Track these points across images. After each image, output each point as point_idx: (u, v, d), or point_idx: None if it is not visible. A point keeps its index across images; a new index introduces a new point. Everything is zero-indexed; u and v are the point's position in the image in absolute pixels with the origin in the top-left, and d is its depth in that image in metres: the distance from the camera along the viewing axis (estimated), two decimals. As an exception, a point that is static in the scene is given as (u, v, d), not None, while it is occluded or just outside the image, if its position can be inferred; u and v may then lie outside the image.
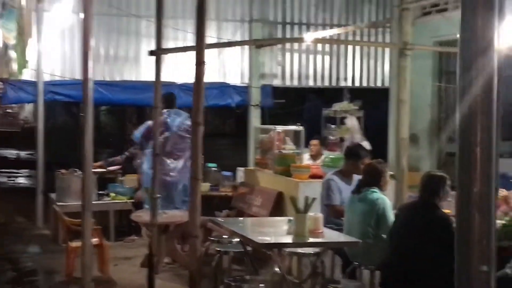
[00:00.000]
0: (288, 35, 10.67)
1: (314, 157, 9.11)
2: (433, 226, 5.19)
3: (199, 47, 5.41)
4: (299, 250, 5.98)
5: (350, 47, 11.08)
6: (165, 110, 8.12)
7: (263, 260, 6.44)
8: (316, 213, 5.48)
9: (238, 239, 6.43)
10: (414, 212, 5.38)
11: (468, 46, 1.81)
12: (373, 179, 5.84)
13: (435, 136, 10.63)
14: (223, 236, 6.76)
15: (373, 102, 10.69)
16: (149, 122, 8.08)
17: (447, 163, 10.88)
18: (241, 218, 6.93)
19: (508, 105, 11.48)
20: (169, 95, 8.39)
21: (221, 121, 13.53)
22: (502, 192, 5.93)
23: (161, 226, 7.04)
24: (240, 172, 9.61)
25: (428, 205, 5.28)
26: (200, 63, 5.42)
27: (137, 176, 9.22)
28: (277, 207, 7.38)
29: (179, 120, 8.15)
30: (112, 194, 9.04)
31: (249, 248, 5.96)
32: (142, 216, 7.67)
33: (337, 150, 9.74)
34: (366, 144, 9.86)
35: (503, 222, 5.31)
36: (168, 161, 8.08)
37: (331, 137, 9.87)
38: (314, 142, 9.06)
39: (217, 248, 6.34)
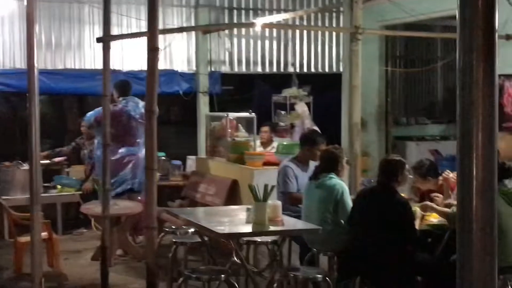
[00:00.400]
0: (235, 21, 10.53)
1: (264, 144, 9.03)
2: (392, 210, 5.19)
3: (152, 32, 5.23)
4: (256, 238, 5.91)
5: (297, 32, 11.01)
6: (121, 98, 7.92)
7: (219, 250, 6.34)
8: (274, 201, 5.41)
9: (193, 229, 6.33)
10: (373, 197, 5.38)
11: (469, 26, 1.72)
12: (331, 165, 5.79)
13: (383, 121, 10.71)
14: (176, 227, 6.64)
15: (322, 88, 10.67)
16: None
17: (396, 148, 10.99)
18: (197, 208, 6.81)
19: (452, 89, 11.71)
20: (124, 82, 8.18)
21: (165, 109, 13.31)
22: (446, 174, 5.96)
23: (112, 218, 6.84)
24: (190, 161, 9.47)
25: (387, 190, 5.28)
26: (153, 49, 5.24)
27: (84, 167, 8.98)
28: (232, 196, 7.27)
29: (138, 107, 7.95)
30: (59, 187, 8.76)
31: (205, 238, 5.85)
32: (92, 208, 7.46)
33: (288, 136, 9.71)
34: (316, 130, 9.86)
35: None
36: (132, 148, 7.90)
37: (281, 124, 9.84)
38: (265, 129, 8.98)
39: (173, 239, 6.19)
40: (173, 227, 6.66)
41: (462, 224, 1.75)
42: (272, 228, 5.16)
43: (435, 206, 5.56)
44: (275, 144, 9.31)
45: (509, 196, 5.07)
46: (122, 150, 7.83)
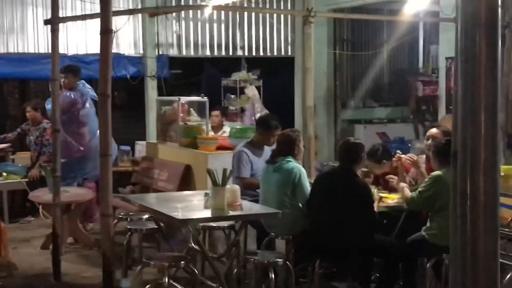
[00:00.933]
0: (182, 3, 10.37)
1: (215, 128, 8.95)
2: (354, 193, 5.21)
3: (105, 14, 5.09)
4: (212, 223, 5.84)
5: (246, 16, 10.91)
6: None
7: (174, 236, 6.24)
8: (233, 186, 5.35)
9: (147, 216, 6.22)
10: (333, 179, 5.38)
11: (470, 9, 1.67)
12: (288, 148, 5.76)
13: (332, 104, 10.76)
14: (129, 213, 6.53)
15: (272, 71, 10.63)
16: (68, 93, 7.65)
17: (344, 130, 11.07)
18: (152, 194, 6.69)
19: (398, 72, 11.82)
20: (78, 67, 7.97)
21: (111, 93, 13.00)
22: (398, 154, 6.01)
23: (63, 205, 6.67)
24: (139, 146, 9.31)
25: (348, 173, 5.29)
26: (106, 31, 5.09)
27: (30, 153, 8.72)
28: (185, 181, 7.16)
29: (91, 91, 7.76)
30: (4, 174, 8.49)
31: (161, 224, 5.76)
32: (41, 196, 7.25)
33: (238, 120, 9.66)
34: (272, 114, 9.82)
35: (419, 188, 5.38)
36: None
37: (231, 108, 9.77)
38: (216, 113, 8.90)
39: (127, 226, 6.07)
40: (128, 213, 6.52)
41: (465, 201, 1.70)
42: (231, 213, 5.12)
43: (406, 191, 5.55)
44: (226, 128, 9.24)
45: None
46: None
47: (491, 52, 1.63)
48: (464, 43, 1.63)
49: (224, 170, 5.15)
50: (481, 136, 1.62)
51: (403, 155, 5.94)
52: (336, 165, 6.14)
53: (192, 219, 4.99)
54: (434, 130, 6.13)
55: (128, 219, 6.33)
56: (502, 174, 6.30)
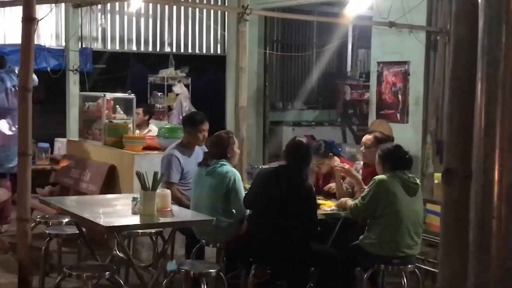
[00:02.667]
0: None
1: (139, 127, 8.56)
2: (299, 194, 5.01)
3: (29, 0, 4.67)
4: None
5: (175, 11, 10.54)
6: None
7: (96, 242, 5.85)
8: (163, 190, 5.03)
9: (67, 219, 5.82)
10: (277, 179, 5.13)
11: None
12: (221, 150, 5.48)
13: (261, 105, 10.54)
14: (47, 216, 6.11)
15: (201, 70, 10.32)
16: None
17: (272, 132, 10.88)
18: (76, 197, 6.26)
19: (326, 75, 11.72)
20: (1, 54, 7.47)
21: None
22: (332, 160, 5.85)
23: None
24: (59, 143, 8.80)
25: (294, 173, 5.07)
26: (29, 19, 4.68)
27: None
28: (109, 182, 6.76)
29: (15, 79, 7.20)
30: None
31: (83, 229, 5.37)
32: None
33: (165, 119, 9.31)
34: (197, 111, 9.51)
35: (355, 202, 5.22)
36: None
37: (158, 106, 9.41)
38: (138, 110, 8.52)
39: (46, 231, 5.63)
40: (46, 216, 6.10)
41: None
42: (162, 219, 4.80)
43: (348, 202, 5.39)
44: (151, 127, 8.86)
45: (407, 185, 5.02)
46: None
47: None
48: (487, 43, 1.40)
49: (155, 174, 4.83)
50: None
51: (337, 164, 5.76)
52: (276, 165, 5.88)
53: (119, 226, 4.63)
54: (368, 136, 5.98)
55: (47, 223, 5.90)
56: (436, 181, 6.28)
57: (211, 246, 5.50)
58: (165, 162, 5.93)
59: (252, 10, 7.03)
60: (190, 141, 6.07)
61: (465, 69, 1.65)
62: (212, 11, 10.26)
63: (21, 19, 4.66)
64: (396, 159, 5.10)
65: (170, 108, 9.36)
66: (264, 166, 6.00)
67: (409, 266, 5.03)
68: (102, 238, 6.75)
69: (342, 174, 5.70)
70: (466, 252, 1.66)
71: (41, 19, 4.93)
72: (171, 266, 4.65)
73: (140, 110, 8.73)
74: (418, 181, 5.18)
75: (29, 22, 4.64)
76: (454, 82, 1.65)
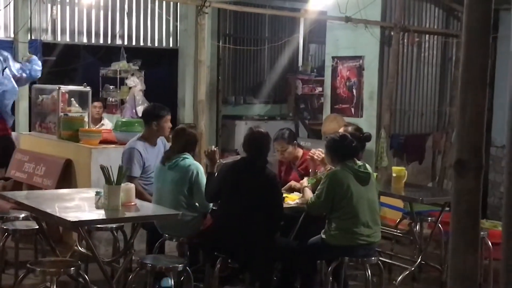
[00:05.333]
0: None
1: (94, 120, 8.43)
2: (261, 186, 5.00)
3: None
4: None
5: (126, 4, 10.36)
6: None
7: (52, 237, 5.71)
8: (127, 184, 4.95)
9: (24, 215, 5.68)
10: (240, 171, 5.11)
11: None
12: (184, 144, 5.43)
13: (214, 99, 10.49)
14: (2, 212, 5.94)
15: (154, 63, 10.19)
16: None
17: (224, 126, 10.85)
18: (34, 192, 6.10)
19: (278, 70, 11.69)
20: None
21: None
22: (312, 152, 5.83)
23: None
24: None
25: (256, 164, 5.06)
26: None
27: None
28: (65, 177, 6.63)
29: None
30: None
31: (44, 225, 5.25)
32: None
33: (117, 112, 9.17)
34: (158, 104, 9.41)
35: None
36: None
37: (111, 99, 9.27)
38: (97, 104, 8.41)
39: (4, 226, 5.48)
40: (2, 211, 5.92)
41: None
42: (127, 214, 4.73)
43: (307, 192, 5.40)
44: (105, 120, 8.74)
45: (359, 175, 5.05)
46: None
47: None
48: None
49: (120, 167, 4.76)
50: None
51: (314, 150, 5.74)
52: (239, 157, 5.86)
53: (86, 220, 4.54)
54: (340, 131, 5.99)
55: (2, 218, 5.74)
56: (394, 175, 6.38)
57: (174, 240, 5.46)
58: (127, 155, 5.84)
59: (212, 2, 6.99)
60: (154, 134, 5.98)
61: (477, 61, 1.66)
62: (164, 3, 10.13)
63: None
64: (343, 148, 5.12)
65: (122, 102, 9.22)
66: (223, 161, 5.93)
67: (372, 258, 5.09)
68: (57, 233, 6.63)
69: (318, 162, 5.66)
70: (477, 243, 1.68)
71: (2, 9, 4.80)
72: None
73: (100, 104, 8.59)
74: (369, 168, 5.21)
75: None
76: (466, 74, 1.66)
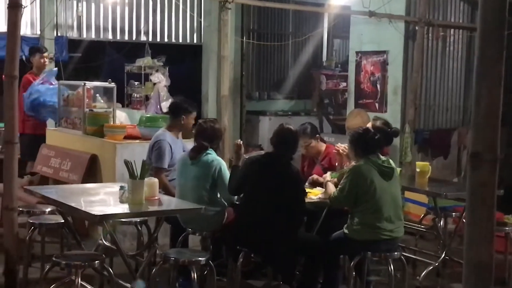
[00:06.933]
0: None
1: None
2: (287, 181, 5.00)
3: (14, -13, 4.60)
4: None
5: (150, 0, 10.43)
6: None
7: (78, 231, 5.78)
8: (151, 178, 5.00)
9: (50, 209, 5.75)
10: (266, 166, 5.11)
11: None
12: (208, 140, 5.45)
13: (238, 95, 10.52)
14: (29, 206, 6.02)
15: (177, 59, 10.25)
16: None
17: (248, 122, 10.87)
18: (59, 186, 6.18)
19: (302, 65, 11.65)
20: None
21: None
22: (338, 146, 5.81)
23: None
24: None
25: (282, 160, 5.07)
26: (15, 6, 4.61)
27: None
28: (91, 172, 6.70)
29: None
30: None
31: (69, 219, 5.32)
32: None
33: (142, 108, 9.23)
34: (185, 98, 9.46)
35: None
36: None
37: (135, 95, 9.34)
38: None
39: (30, 220, 5.56)
40: (29, 206, 6.01)
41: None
42: (150, 208, 4.77)
43: (329, 187, 5.40)
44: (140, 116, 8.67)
45: (382, 169, 5.04)
46: None
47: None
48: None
49: (143, 162, 4.80)
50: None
51: (340, 145, 5.73)
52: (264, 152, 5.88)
53: (111, 214, 4.59)
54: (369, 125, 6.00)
55: (29, 212, 5.82)
56: (418, 170, 6.35)
57: (197, 234, 5.49)
58: (157, 147, 5.87)
59: (235, -2, 7.02)
60: (178, 128, 6.03)
61: (492, 54, 1.65)
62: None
63: (6, 6, 4.59)
64: (366, 142, 5.10)
65: (147, 98, 9.29)
66: (246, 156, 5.95)
67: (395, 253, 5.07)
68: (83, 227, 6.70)
69: (344, 156, 5.65)
70: (492, 235, 1.68)
71: (26, 6, 4.88)
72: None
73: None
74: (392, 163, 5.19)
75: (15, 9, 4.58)
76: (480, 67, 1.66)
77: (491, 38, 1.65)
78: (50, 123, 8.17)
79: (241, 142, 5.64)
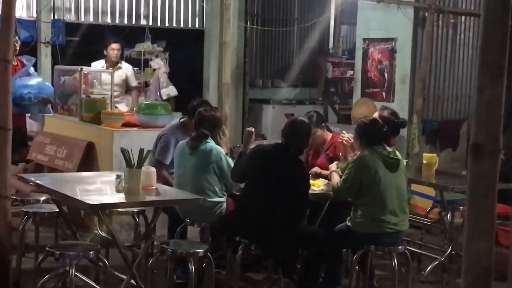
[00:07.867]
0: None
1: (111, 63, 8.24)
2: (292, 173, 4.87)
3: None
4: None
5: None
6: None
7: (73, 221, 5.62)
8: (148, 167, 4.83)
9: (44, 198, 5.59)
10: (273, 156, 4.98)
11: None
12: (209, 128, 5.28)
13: (241, 82, 10.31)
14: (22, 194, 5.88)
15: (178, 44, 10.05)
16: None
17: (251, 110, 10.69)
18: (54, 174, 6.01)
19: (307, 52, 11.43)
20: None
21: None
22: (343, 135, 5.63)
23: None
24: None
25: (290, 152, 4.93)
26: (8, -14, 4.42)
27: None
28: (87, 160, 6.52)
29: None
30: None
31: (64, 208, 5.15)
32: None
33: (141, 95, 9.07)
34: (173, 89, 9.28)
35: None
36: None
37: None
38: (115, 46, 8.22)
39: (24, 209, 5.39)
40: (22, 194, 5.86)
41: None
42: (148, 198, 4.62)
43: (334, 177, 5.24)
44: (122, 64, 8.48)
45: (388, 161, 4.89)
46: None
47: None
48: None
49: (141, 150, 4.62)
50: None
51: (345, 134, 5.56)
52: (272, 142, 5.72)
53: (106, 204, 4.43)
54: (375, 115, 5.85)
55: (23, 200, 5.66)
56: (424, 162, 6.18)
57: (196, 226, 5.34)
58: (164, 140, 5.71)
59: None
60: (192, 128, 5.84)
61: (495, 43, 1.58)
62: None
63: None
64: (373, 133, 4.98)
65: (146, 84, 9.11)
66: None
67: (400, 247, 4.92)
68: (78, 217, 6.54)
69: (348, 146, 5.48)
70: (492, 229, 1.65)
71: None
72: None
73: (118, 46, 8.34)
74: (398, 155, 5.05)
75: (8, -9, 4.39)
76: (483, 56, 1.58)
77: (494, 26, 1.55)
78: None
79: (253, 129, 5.49)
